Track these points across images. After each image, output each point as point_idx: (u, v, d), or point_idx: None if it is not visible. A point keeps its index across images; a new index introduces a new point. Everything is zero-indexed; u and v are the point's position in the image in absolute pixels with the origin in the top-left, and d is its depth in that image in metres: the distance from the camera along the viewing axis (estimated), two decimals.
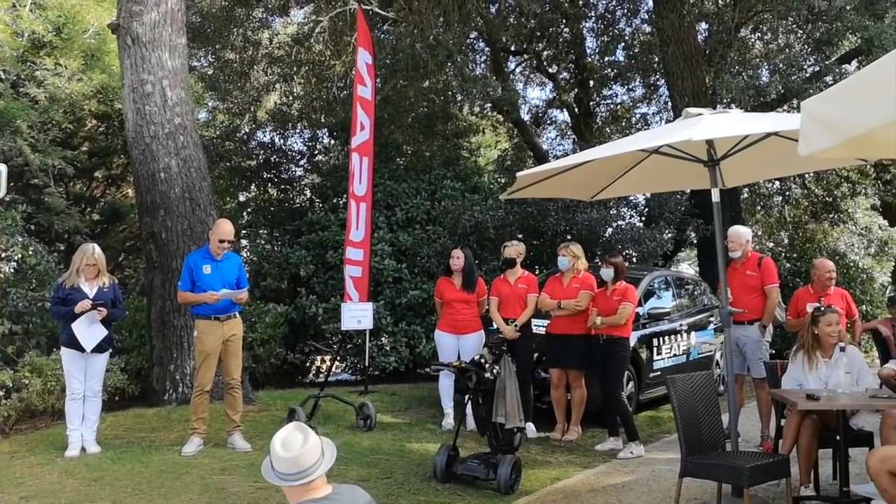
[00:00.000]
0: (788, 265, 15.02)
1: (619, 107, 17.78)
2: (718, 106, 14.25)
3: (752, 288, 7.15)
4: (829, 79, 11.87)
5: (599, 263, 7.59)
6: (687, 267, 23.87)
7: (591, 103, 17.16)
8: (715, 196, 5.71)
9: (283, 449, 2.75)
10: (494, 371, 5.94)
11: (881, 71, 3.26)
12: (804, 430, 5.32)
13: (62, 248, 13.82)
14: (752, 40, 15.05)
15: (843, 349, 5.43)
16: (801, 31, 13.11)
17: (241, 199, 15.83)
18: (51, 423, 7.57)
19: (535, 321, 7.87)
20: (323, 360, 13.73)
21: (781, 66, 13.09)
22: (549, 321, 7.80)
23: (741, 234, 7.36)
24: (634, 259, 12.36)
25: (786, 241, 16.49)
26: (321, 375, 13.71)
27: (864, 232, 15.54)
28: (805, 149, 3.84)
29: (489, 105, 14.40)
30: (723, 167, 6.01)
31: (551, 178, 6.17)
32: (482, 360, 6.01)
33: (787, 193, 16.15)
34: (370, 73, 8.81)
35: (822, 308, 5.99)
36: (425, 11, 10.84)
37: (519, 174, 5.80)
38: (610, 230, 12.39)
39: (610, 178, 6.65)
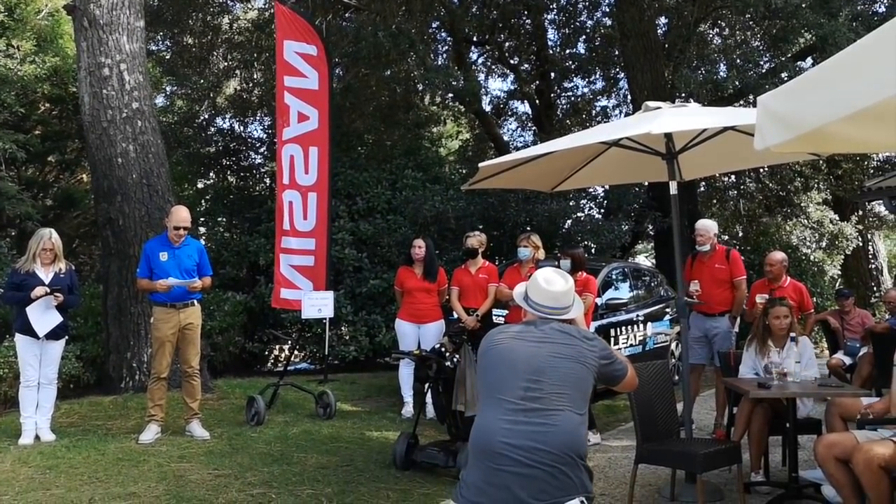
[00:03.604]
0: (743, 258, 15.31)
1: (579, 99, 17.90)
2: (677, 100, 14.49)
3: (721, 281, 7.30)
4: (784, 75, 12.11)
5: (558, 255, 7.65)
6: (643, 259, 24.18)
7: (552, 95, 17.25)
8: (673, 189, 5.80)
9: (545, 283, 3.23)
10: (455, 360, 5.98)
11: (834, 68, 3.35)
12: (755, 417, 5.47)
13: (13, 233, 13.54)
14: (711, 36, 15.27)
15: (793, 339, 5.58)
16: (757, 28, 13.34)
17: (200, 185, 15.60)
18: (3, 411, 7.43)
19: (495, 311, 7.94)
20: (281, 349, 13.67)
21: (739, 61, 13.33)
22: (508, 311, 7.86)
23: (709, 227, 7.49)
24: (593, 250, 12.50)
25: (740, 234, 16.80)
26: (280, 364, 13.67)
27: (816, 226, 15.88)
28: (760, 143, 3.92)
29: (451, 95, 14.39)
30: (681, 160, 6.13)
31: (512, 170, 6.21)
32: (442, 349, 6.05)
33: (742, 187, 16.46)
34: (316, 63, 8.70)
35: (773, 300, 6.16)
36: (389, 4, 10.79)
37: (481, 164, 5.84)
38: (569, 221, 12.51)
39: (570, 169, 6.72)
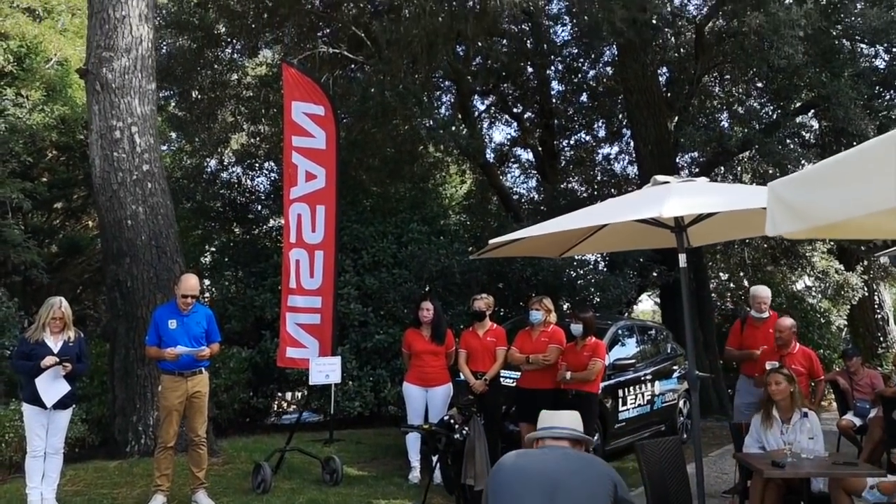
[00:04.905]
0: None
1: (582, 149, 18.00)
2: (682, 151, 14.61)
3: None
4: (789, 129, 12.27)
5: (568, 319, 7.64)
6: (646, 298, 24.08)
7: (556, 143, 17.35)
8: (682, 262, 5.82)
9: (550, 415, 3.37)
10: (464, 432, 5.95)
11: (851, 165, 3.37)
12: (769, 494, 5.43)
13: (18, 279, 13.55)
14: (713, 86, 15.39)
15: (805, 415, 5.56)
16: (760, 83, 13.49)
17: (200, 231, 15.47)
18: (8, 477, 7.37)
19: (504, 373, 7.92)
20: (283, 399, 13.61)
21: (741, 111, 13.46)
22: (519, 374, 7.83)
23: (768, 294, 7.78)
24: (597, 300, 12.42)
25: (745, 283, 16.78)
26: (283, 416, 13.57)
27: (822, 276, 15.89)
28: (772, 230, 3.97)
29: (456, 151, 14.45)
30: (689, 231, 6.16)
31: (520, 241, 6.25)
32: (451, 421, 6.03)
33: (748, 238, 16.47)
34: (324, 123, 8.79)
35: (771, 369, 6.19)
36: (395, 59, 10.92)
37: (491, 241, 5.88)
38: (574, 274, 12.49)
39: (578, 238, 6.76)
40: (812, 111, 13.83)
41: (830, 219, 3.50)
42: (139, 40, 8.61)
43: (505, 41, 14.51)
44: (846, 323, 16.60)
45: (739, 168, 15.26)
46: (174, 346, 6.48)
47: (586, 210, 6.15)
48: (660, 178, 5.79)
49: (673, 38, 13.42)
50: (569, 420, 3.26)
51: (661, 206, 4.89)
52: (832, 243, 16.41)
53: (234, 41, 14.23)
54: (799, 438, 5.49)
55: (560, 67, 15.88)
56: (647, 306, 25.09)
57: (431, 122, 12.13)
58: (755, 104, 13.70)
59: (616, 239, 6.84)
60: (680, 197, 5.18)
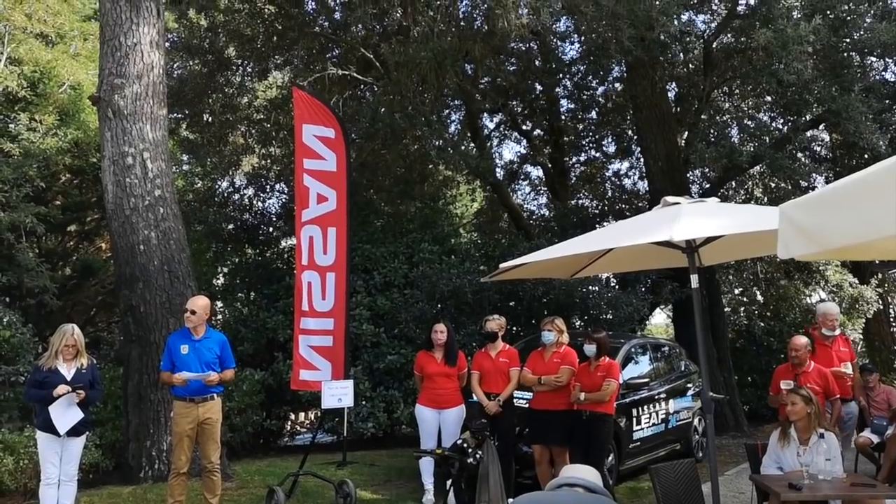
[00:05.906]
0: (762, 324, 15.20)
1: (592, 165, 17.96)
2: (694, 169, 14.57)
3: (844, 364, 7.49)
4: (798, 144, 12.21)
5: (581, 339, 7.60)
6: (659, 312, 23.98)
7: (565, 160, 17.34)
8: (694, 282, 5.79)
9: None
10: (477, 456, 5.93)
11: (864, 187, 3.35)
12: None
13: (32, 302, 13.63)
14: (723, 102, 15.38)
15: (822, 436, 5.51)
16: (770, 98, 13.46)
17: (212, 253, 15.51)
18: None
19: (516, 393, 7.87)
20: (296, 423, 13.61)
21: (750, 124, 13.41)
22: (532, 395, 7.79)
23: (837, 311, 7.77)
24: (609, 319, 12.36)
25: (759, 297, 16.68)
26: (296, 437, 13.57)
27: (836, 289, 15.78)
28: (784, 253, 3.95)
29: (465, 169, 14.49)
30: (700, 250, 6.13)
31: (531, 263, 6.24)
32: (465, 445, 6.00)
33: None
34: (334, 145, 8.82)
35: (794, 386, 6.14)
36: (404, 80, 10.98)
37: (502, 265, 5.88)
38: (585, 291, 12.43)
39: (588, 259, 6.74)
40: (822, 125, 13.78)
41: (843, 242, 3.47)
42: (150, 67, 8.70)
43: (513, 59, 14.56)
44: (861, 337, 16.47)
45: (751, 183, 15.20)
46: (185, 371, 6.48)
47: (597, 233, 6.15)
48: (670, 199, 5.77)
49: (681, 55, 13.41)
50: (585, 472, 3.26)
51: (672, 229, 4.88)
52: None
53: (245, 64, 14.36)
54: (816, 460, 5.44)
55: (569, 85, 15.87)
56: (659, 320, 24.96)
57: (441, 142, 12.17)
58: (765, 118, 13.66)
59: (627, 260, 6.82)
60: (690, 219, 5.16)
